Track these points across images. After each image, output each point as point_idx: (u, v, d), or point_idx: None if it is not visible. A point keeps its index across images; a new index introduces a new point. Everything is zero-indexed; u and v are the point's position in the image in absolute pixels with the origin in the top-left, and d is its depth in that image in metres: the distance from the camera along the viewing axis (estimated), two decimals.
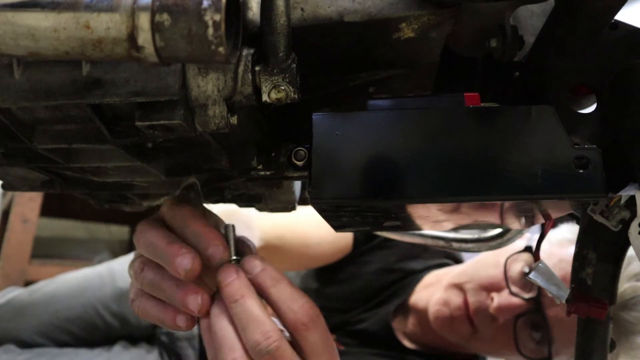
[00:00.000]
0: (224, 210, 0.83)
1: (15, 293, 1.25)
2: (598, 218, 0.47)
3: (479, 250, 0.86)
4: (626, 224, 0.46)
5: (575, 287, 0.53)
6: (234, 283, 0.46)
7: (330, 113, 0.40)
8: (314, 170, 0.39)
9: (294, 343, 0.48)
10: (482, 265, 1.17)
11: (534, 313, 1.04)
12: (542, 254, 0.55)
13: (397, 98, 0.42)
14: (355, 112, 0.40)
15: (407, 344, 1.28)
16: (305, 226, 1.20)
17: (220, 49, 0.26)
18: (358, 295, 1.34)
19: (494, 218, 0.48)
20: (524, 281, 1.05)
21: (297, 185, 0.71)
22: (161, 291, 0.49)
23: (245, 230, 0.98)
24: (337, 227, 0.55)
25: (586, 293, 0.52)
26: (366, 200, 0.39)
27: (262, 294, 0.48)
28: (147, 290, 0.51)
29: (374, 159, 0.38)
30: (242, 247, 0.51)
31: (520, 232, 0.84)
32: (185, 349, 1.23)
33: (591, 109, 0.43)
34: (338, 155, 0.39)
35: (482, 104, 0.40)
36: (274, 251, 1.13)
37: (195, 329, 1.25)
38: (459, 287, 1.16)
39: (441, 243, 0.85)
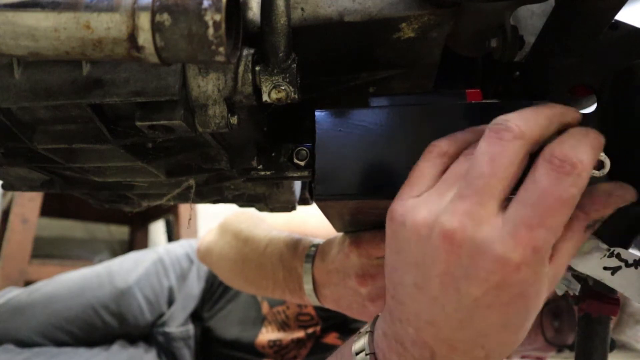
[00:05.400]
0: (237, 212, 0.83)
1: (14, 293, 1.25)
2: None
3: None
4: None
5: (584, 285, 0.52)
6: None
7: (332, 110, 0.40)
8: (318, 167, 0.39)
9: None
10: None
11: (559, 301, 1.05)
12: None
13: (398, 95, 0.42)
14: (358, 108, 0.40)
15: None
16: (312, 223, 1.20)
17: (221, 49, 0.26)
18: None
19: None
20: None
21: (297, 185, 0.71)
22: None
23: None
24: (340, 228, 0.55)
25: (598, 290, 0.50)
26: (370, 197, 0.38)
27: None
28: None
29: (377, 155, 0.38)
30: None
31: None
32: (181, 349, 1.23)
33: (591, 109, 0.43)
34: (341, 151, 0.39)
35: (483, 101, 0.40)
36: None
37: (191, 330, 1.26)
38: None
39: None
